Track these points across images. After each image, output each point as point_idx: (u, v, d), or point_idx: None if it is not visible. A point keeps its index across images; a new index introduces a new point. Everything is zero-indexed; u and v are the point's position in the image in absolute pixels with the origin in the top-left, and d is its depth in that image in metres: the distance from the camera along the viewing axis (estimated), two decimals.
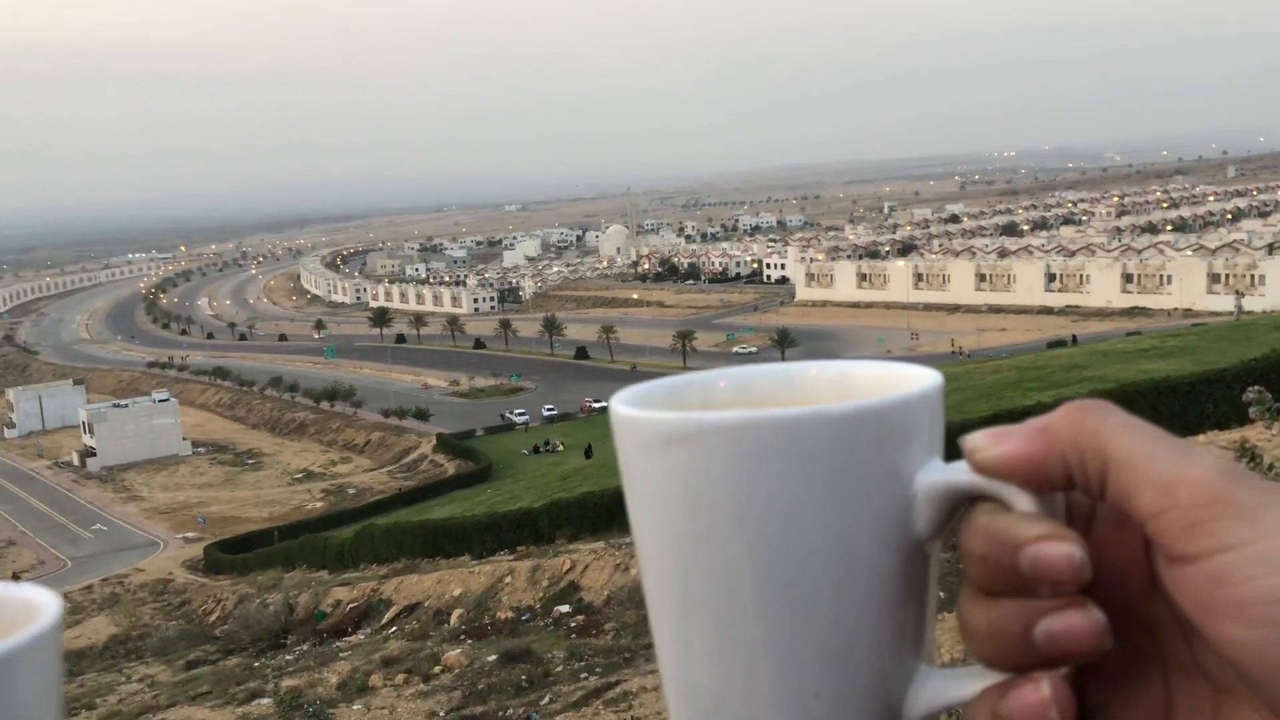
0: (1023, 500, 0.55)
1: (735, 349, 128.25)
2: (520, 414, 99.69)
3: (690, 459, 0.57)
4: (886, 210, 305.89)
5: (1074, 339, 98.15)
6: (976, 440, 0.56)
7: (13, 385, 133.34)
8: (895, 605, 0.59)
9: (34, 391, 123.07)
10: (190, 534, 72.20)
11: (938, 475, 0.58)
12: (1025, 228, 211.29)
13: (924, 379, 0.61)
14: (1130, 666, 0.56)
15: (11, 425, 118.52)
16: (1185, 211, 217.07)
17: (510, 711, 20.28)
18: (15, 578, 70.27)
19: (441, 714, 21.70)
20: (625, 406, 0.60)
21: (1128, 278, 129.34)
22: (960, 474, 0.57)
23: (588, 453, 76.04)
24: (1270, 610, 0.49)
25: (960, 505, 0.58)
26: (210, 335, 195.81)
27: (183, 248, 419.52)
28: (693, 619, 0.60)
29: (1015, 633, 0.54)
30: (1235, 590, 0.49)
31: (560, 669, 22.95)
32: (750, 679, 0.58)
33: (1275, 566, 0.48)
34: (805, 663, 0.58)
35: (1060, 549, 0.52)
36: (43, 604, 0.60)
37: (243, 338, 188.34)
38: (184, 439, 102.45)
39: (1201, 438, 20.95)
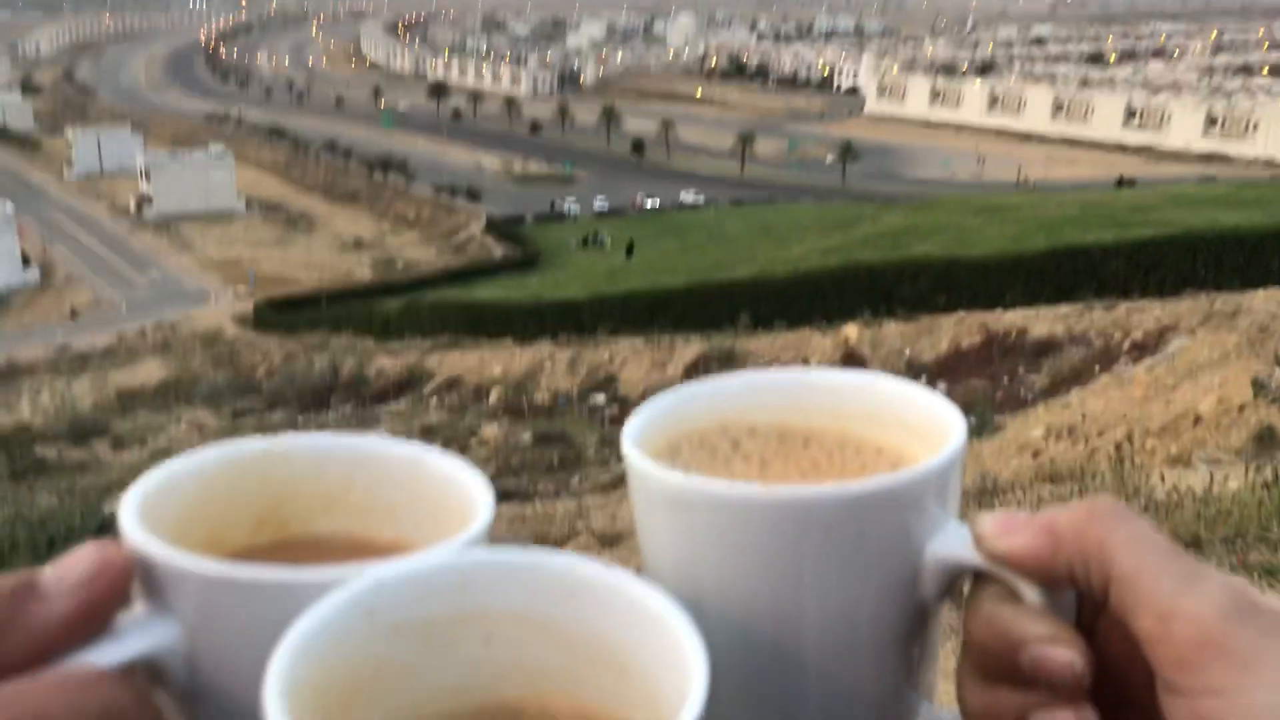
0: (1030, 594, 0.54)
1: (795, 159, 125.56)
2: (573, 204, 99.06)
3: (696, 523, 0.56)
4: (970, 25, 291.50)
5: (1119, 180, 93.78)
6: (986, 526, 0.55)
7: (72, 124, 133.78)
8: (898, 661, 0.59)
9: (93, 133, 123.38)
10: (241, 289, 73.79)
11: (947, 550, 0.57)
12: (1113, 58, 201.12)
13: (949, 426, 0.60)
14: None
15: (71, 165, 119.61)
16: None
17: (541, 486, 21.11)
18: (73, 314, 72.39)
19: None
20: (636, 450, 0.59)
21: (1211, 120, 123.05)
22: (969, 554, 0.56)
23: (629, 250, 75.93)
24: None
25: (967, 576, 0.57)
26: (268, 92, 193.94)
27: None
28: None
29: (1008, 719, 0.53)
30: None
31: (592, 454, 23.69)
32: None
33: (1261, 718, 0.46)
34: (808, 717, 0.58)
35: (1063, 655, 0.51)
36: (479, 496, 0.56)
37: (300, 98, 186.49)
38: (239, 196, 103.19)
39: (1262, 293, 20.46)
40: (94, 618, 0.47)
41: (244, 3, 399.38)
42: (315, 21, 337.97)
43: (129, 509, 0.52)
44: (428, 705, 0.50)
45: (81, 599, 0.47)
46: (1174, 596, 0.49)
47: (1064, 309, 22.94)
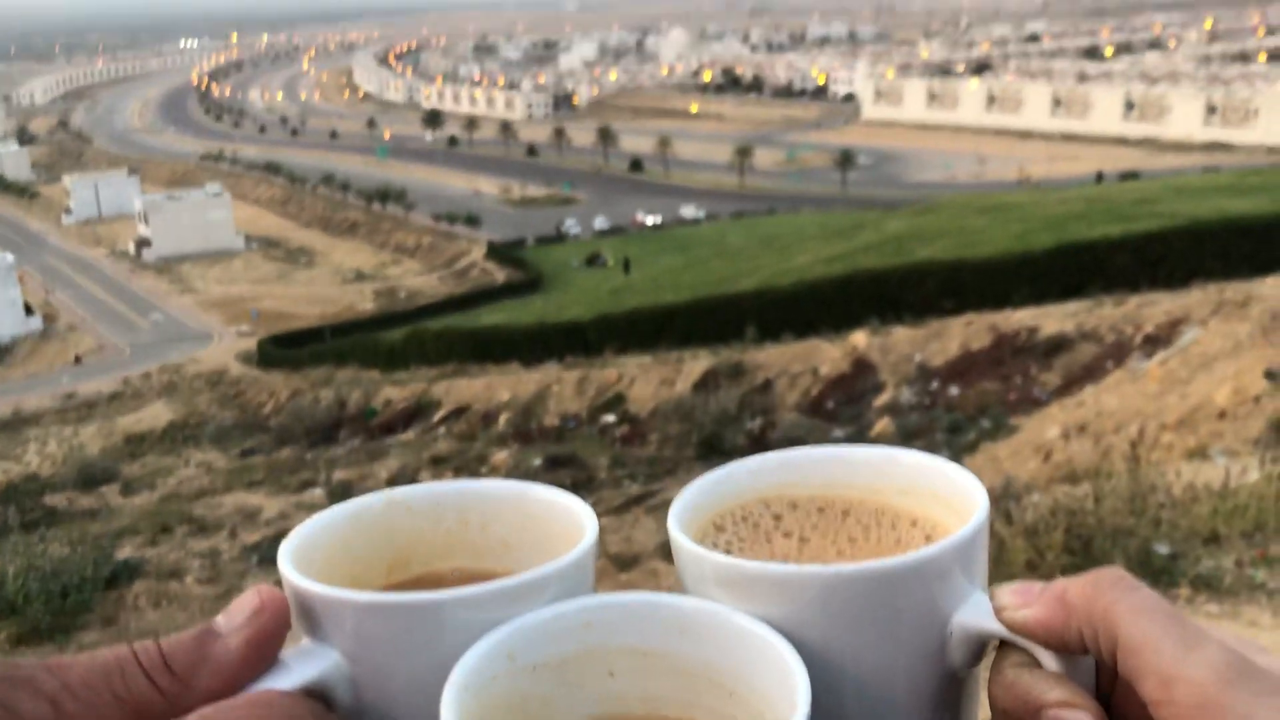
0: (1048, 660, 0.58)
1: (794, 168, 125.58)
2: (573, 225, 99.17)
3: (738, 599, 0.61)
4: (964, 26, 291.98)
5: (1099, 176, 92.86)
6: (1004, 598, 0.60)
7: (68, 172, 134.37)
8: None
9: (90, 179, 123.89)
10: (244, 328, 73.79)
11: (972, 620, 0.61)
12: (1109, 51, 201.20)
13: (971, 498, 0.65)
14: None
15: (69, 212, 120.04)
16: None
17: None
18: (78, 360, 72.27)
19: None
20: (679, 529, 0.65)
21: (1211, 110, 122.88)
22: (992, 623, 0.60)
23: (626, 267, 75.97)
24: None
25: (992, 642, 0.61)
26: (262, 129, 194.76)
27: (234, 37, 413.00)
28: None
29: None
30: None
31: (604, 475, 23.42)
32: None
33: None
34: None
35: (1078, 718, 0.55)
36: (583, 519, 0.66)
37: (294, 133, 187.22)
38: (237, 233, 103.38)
39: (1270, 280, 20.20)
40: (264, 652, 0.58)
41: (235, 40, 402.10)
42: (307, 55, 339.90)
43: (285, 558, 0.64)
44: None
45: (251, 636, 0.58)
46: (1175, 662, 0.53)
47: (1073, 306, 22.68)
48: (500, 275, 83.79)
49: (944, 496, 0.68)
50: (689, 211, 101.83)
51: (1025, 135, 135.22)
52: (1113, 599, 0.56)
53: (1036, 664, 0.59)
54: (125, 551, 21.63)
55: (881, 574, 0.60)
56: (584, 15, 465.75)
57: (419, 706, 0.58)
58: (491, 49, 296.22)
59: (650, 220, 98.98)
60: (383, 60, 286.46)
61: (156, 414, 43.65)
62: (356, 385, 38.13)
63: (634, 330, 36.34)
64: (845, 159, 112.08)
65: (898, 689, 0.61)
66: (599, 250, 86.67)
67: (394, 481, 25.60)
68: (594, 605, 0.61)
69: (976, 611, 0.61)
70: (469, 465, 26.15)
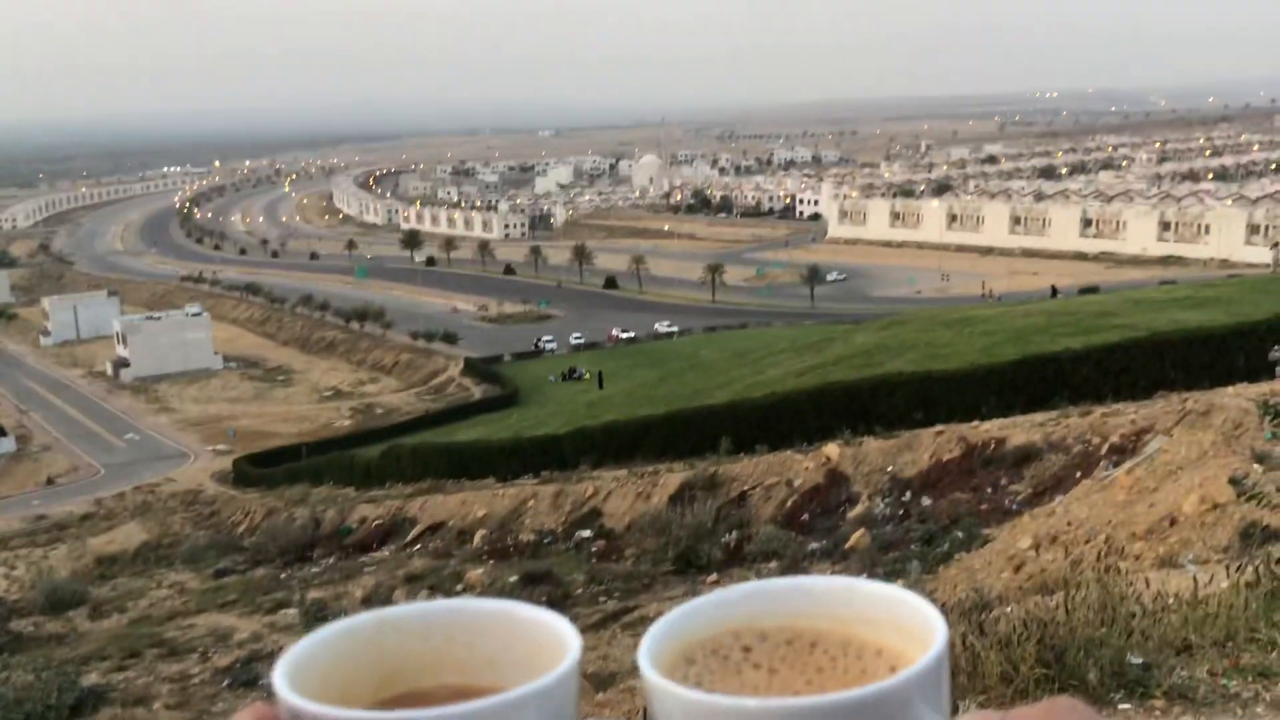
0: None
1: (764, 284, 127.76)
2: (549, 341, 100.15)
3: None
4: (923, 149, 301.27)
5: (1054, 291, 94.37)
6: None
7: (48, 294, 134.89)
8: None
9: (69, 301, 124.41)
10: (220, 446, 73.41)
11: None
12: (1063, 171, 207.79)
13: (928, 630, 0.67)
14: None
15: (47, 334, 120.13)
16: (1228, 160, 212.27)
17: None
18: (50, 482, 71.35)
19: None
20: (650, 665, 0.67)
21: (1165, 225, 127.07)
22: None
23: (599, 381, 76.75)
24: None
25: None
26: (243, 251, 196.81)
27: (217, 163, 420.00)
28: None
29: None
30: None
31: (580, 592, 23.34)
32: None
33: None
34: None
35: None
36: (567, 637, 0.68)
37: (275, 255, 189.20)
38: (215, 353, 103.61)
39: (1230, 390, 20.78)
40: None
41: (217, 165, 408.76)
42: (288, 180, 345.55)
43: (280, 676, 0.66)
44: None
45: None
46: None
47: (1039, 416, 23.13)
48: (477, 391, 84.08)
49: (906, 626, 0.69)
50: (663, 326, 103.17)
51: (986, 251, 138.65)
52: None
53: None
54: (91, 678, 21.24)
55: (847, 705, 0.61)
56: (559, 141, 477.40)
57: None
58: (469, 172, 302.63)
59: (625, 335, 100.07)
60: (363, 184, 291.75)
61: (129, 534, 43.13)
62: (332, 503, 37.95)
63: (610, 443, 36.53)
64: (813, 275, 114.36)
65: None
66: (575, 365, 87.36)
67: (369, 601, 25.37)
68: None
69: None
70: (444, 583, 25.98)
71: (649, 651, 0.68)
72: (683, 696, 0.64)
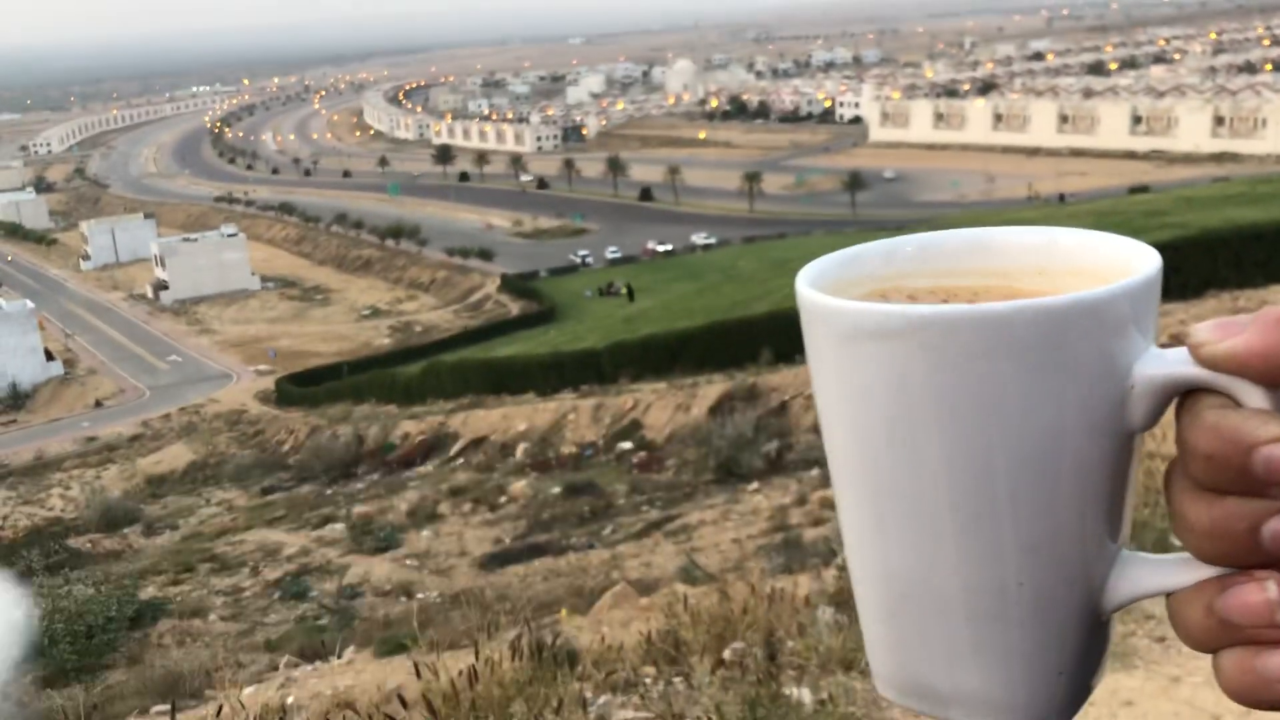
0: (1255, 397, 0.51)
1: (803, 192, 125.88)
2: (585, 255, 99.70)
3: (892, 354, 0.55)
4: (967, 47, 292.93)
5: (1061, 197, 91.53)
6: (1202, 333, 0.53)
7: (86, 218, 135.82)
8: (1102, 495, 0.57)
9: (107, 225, 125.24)
10: (262, 367, 74.17)
11: (1158, 368, 0.55)
12: (1113, 67, 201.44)
13: (1140, 259, 0.58)
14: None
15: (87, 258, 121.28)
16: None
17: (573, 540, 20.84)
18: (98, 404, 72.55)
19: (507, 540, 22.37)
20: (815, 292, 0.58)
21: (1219, 120, 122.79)
22: (1183, 366, 0.54)
23: (630, 295, 76.50)
24: None
25: (1177, 396, 0.55)
26: (275, 170, 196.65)
27: (246, 81, 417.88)
28: (887, 509, 0.58)
29: (1240, 531, 0.51)
30: None
31: (622, 502, 23.43)
32: (949, 567, 0.57)
33: None
34: (1008, 553, 0.56)
35: None
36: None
37: (307, 173, 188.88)
38: (253, 274, 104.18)
39: None
40: None
41: (246, 84, 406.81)
42: (317, 96, 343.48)
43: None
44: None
45: None
46: None
47: None
48: (514, 307, 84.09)
49: (1089, 269, 0.61)
50: (700, 238, 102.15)
51: (1033, 152, 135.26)
52: None
53: (1237, 406, 0.52)
54: (149, 591, 21.74)
55: (1054, 311, 0.53)
56: (589, 49, 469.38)
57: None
58: (499, 84, 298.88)
59: (662, 248, 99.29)
60: (392, 99, 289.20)
61: (177, 455, 43.88)
62: (374, 420, 38.28)
63: (648, 357, 36.37)
64: (854, 181, 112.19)
65: (1068, 450, 0.55)
66: (612, 279, 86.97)
67: (413, 515, 25.67)
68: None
69: (1161, 360, 0.54)
70: (487, 496, 26.19)
71: (810, 282, 0.60)
72: (869, 312, 0.55)
